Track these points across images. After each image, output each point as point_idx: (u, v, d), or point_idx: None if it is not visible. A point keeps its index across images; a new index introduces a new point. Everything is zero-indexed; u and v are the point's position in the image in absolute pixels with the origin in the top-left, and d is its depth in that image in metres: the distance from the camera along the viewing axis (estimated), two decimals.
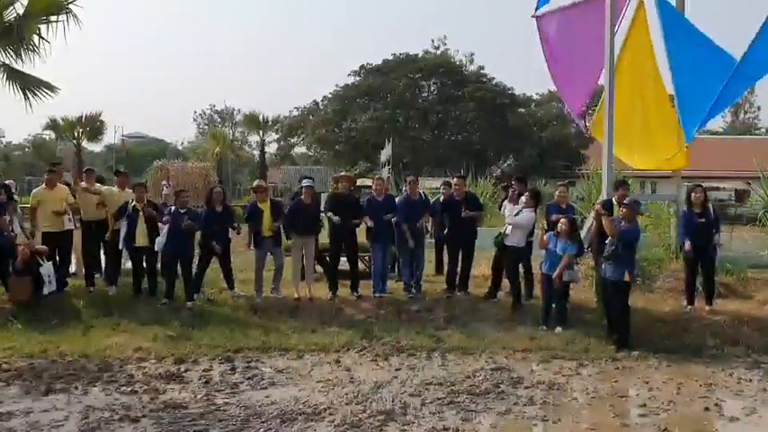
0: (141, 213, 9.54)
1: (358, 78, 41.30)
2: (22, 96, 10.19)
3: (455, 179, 10.33)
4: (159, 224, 9.47)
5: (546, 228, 9.27)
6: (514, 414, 5.94)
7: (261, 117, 38.74)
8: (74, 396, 6.26)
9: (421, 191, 10.82)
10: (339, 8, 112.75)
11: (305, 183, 10.31)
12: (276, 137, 43.90)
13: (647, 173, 16.62)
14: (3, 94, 10.14)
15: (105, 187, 10.42)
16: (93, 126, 32.64)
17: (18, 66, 10.16)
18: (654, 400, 6.33)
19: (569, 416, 5.93)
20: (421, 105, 40.48)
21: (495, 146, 37.42)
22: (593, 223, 8.96)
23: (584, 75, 11.53)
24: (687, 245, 9.07)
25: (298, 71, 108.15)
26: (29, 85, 10.24)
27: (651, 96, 11.03)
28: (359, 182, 17.53)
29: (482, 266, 10.54)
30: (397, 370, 7.12)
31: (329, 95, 42.13)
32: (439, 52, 44.15)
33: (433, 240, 11.57)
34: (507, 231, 9.29)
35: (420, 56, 41.64)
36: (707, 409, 6.15)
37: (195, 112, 77.56)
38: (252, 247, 10.02)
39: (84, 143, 33.88)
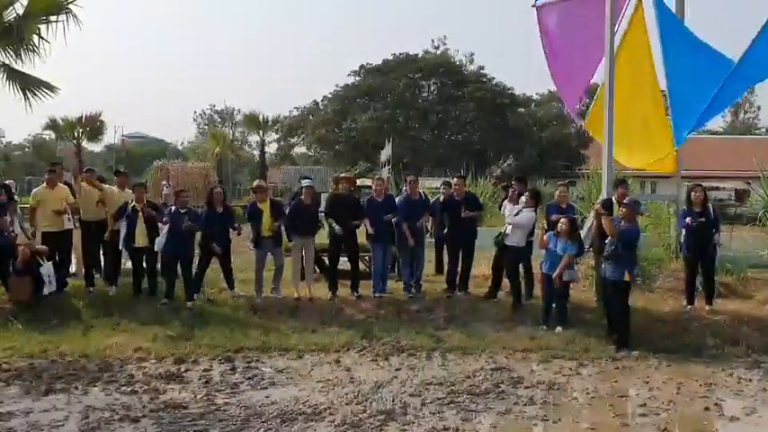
0: (141, 214, 9.54)
1: (358, 78, 41.35)
2: (22, 96, 10.19)
3: (455, 179, 10.34)
4: (159, 224, 9.48)
5: (546, 228, 9.27)
6: (514, 414, 5.94)
7: (261, 117, 38.74)
8: (74, 396, 6.26)
9: (421, 191, 10.82)
10: (339, 8, 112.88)
11: (305, 183, 10.34)
12: (276, 137, 44.01)
13: (648, 173, 16.60)
14: (3, 94, 10.16)
15: (106, 186, 10.42)
16: (93, 126, 32.59)
17: (18, 66, 10.17)
18: (654, 399, 6.33)
19: (569, 416, 5.93)
20: (421, 105, 40.52)
21: (495, 146, 37.44)
22: (593, 223, 8.96)
23: (581, 68, 11.51)
24: (688, 219, 9.05)
25: (298, 71, 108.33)
26: (29, 85, 10.24)
27: (648, 96, 11.03)
28: (359, 182, 17.52)
29: (482, 266, 10.54)
30: (397, 370, 7.12)
31: (329, 95, 42.22)
32: (439, 52, 44.20)
33: (433, 240, 11.58)
34: (507, 231, 9.29)
35: (420, 56, 41.71)
36: (707, 408, 6.15)
37: (195, 112, 77.67)
38: (252, 248, 10.03)
39: (84, 143, 33.85)
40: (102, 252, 10.29)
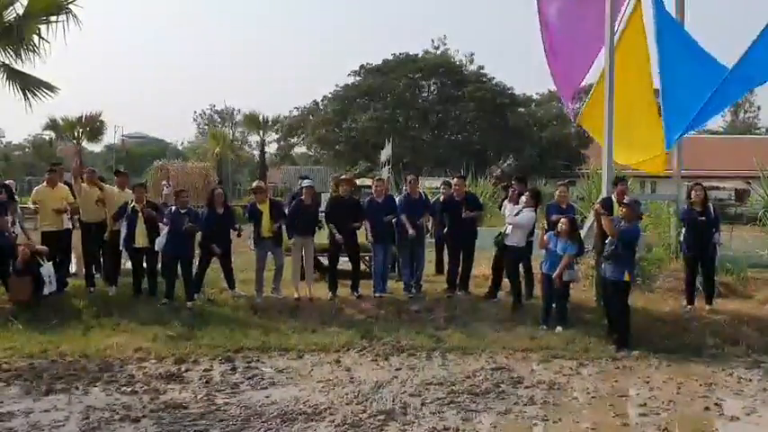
0: (141, 214, 9.54)
1: (358, 78, 41.34)
2: (22, 96, 10.19)
3: (455, 179, 10.34)
4: (160, 224, 9.48)
5: (546, 227, 9.28)
6: (515, 414, 5.95)
7: (261, 117, 38.71)
8: (74, 396, 6.27)
9: (421, 190, 10.83)
10: (339, 8, 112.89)
11: (305, 183, 10.35)
12: (276, 137, 43.98)
13: (648, 173, 16.59)
14: (3, 94, 10.16)
15: (107, 186, 10.42)
16: (93, 126, 32.62)
17: (18, 66, 10.16)
18: (654, 399, 6.33)
19: (570, 415, 5.93)
20: (421, 105, 40.52)
21: (495, 146, 37.45)
22: (593, 223, 8.96)
23: (580, 60, 11.49)
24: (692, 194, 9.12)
25: (298, 71, 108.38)
26: (29, 85, 10.23)
27: (641, 96, 11.01)
28: (359, 182, 17.51)
29: (482, 266, 10.54)
30: (397, 370, 7.12)
31: (329, 95, 42.19)
32: (439, 52, 44.21)
33: (434, 240, 11.58)
34: (507, 231, 9.29)
35: (420, 56, 41.70)
36: (707, 408, 6.15)
37: (195, 112, 77.77)
38: (252, 248, 10.03)
39: (85, 143, 33.87)
40: (101, 252, 10.29)
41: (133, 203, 9.64)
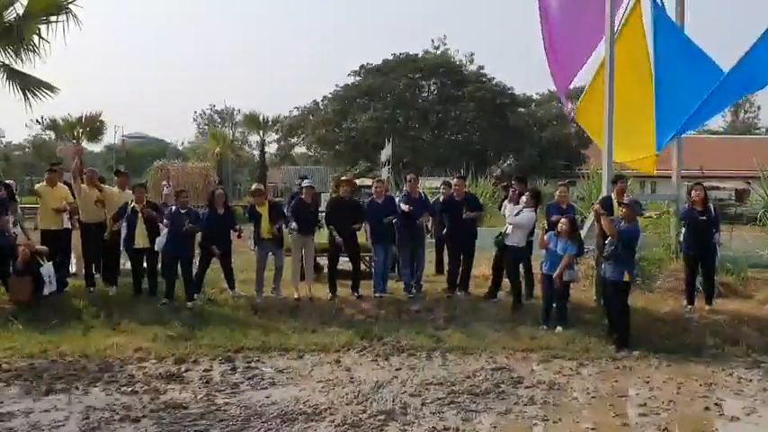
0: (140, 214, 9.53)
1: (358, 78, 41.31)
2: (22, 96, 10.20)
3: (455, 179, 10.34)
4: (160, 225, 9.47)
5: (546, 228, 9.27)
6: (515, 414, 5.95)
7: (261, 117, 38.70)
8: (74, 396, 6.27)
9: (421, 191, 10.83)
10: (339, 8, 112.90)
11: (306, 183, 10.36)
12: (276, 137, 43.93)
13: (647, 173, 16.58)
14: (3, 94, 10.17)
15: (106, 187, 10.42)
16: (93, 126, 32.62)
17: (18, 66, 10.18)
18: (654, 399, 6.34)
19: (570, 415, 5.93)
20: (421, 105, 40.50)
21: (495, 146, 37.45)
22: (593, 223, 8.96)
23: (579, 53, 11.47)
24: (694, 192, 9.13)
25: (298, 71, 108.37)
26: (29, 85, 10.24)
27: (637, 96, 11.00)
28: (359, 182, 17.53)
29: (482, 266, 10.54)
30: (397, 370, 7.12)
31: (329, 95, 42.16)
32: (439, 52, 44.16)
33: (434, 240, 11.57)
34: (508, 231, 9.29)
35: (420, 56, 41.66)
36: (707, 408, 6.15)
37: (195, 112, 77.73)
38: (253, 248, 10.02)
39: (85, 143, 33.86)
40: (101, 252, 10.28)
41: (133, 204, 9.64)
